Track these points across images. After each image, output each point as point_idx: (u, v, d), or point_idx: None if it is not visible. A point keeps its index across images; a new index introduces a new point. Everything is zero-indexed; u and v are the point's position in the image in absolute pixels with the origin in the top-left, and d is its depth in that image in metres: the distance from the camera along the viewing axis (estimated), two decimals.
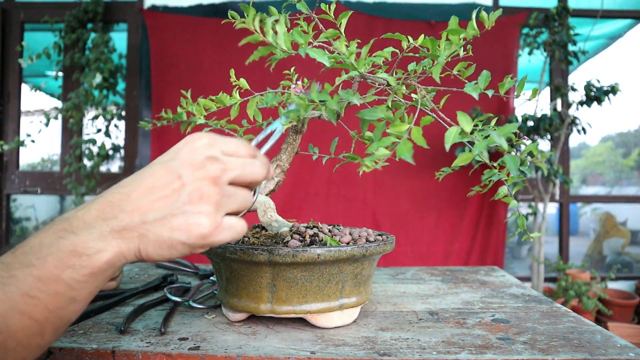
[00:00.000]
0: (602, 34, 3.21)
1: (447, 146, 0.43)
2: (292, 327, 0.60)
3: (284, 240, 0.59)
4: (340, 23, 0.58)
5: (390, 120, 0.48)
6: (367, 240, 0.63)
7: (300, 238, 0.60)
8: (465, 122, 0.43)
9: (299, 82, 0.70)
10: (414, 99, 0.58)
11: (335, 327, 0.60)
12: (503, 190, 0.60)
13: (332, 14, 0.59)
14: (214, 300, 0.71)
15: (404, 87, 0.58)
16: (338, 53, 0.52)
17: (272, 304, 0.58)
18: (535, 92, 0.54)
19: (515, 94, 0.54)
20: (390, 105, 0.57)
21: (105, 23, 2.81)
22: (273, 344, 0.53)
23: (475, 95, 0.48)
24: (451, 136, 0.43)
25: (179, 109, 0.68)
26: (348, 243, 0.60)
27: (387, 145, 0.44)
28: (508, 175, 0.58)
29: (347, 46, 0.52)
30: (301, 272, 0.57)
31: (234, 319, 0.62)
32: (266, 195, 0.68)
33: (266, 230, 0.67)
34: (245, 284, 0.59)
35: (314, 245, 0.57)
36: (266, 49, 0.50)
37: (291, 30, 0.50)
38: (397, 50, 0.59)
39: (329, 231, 0.65)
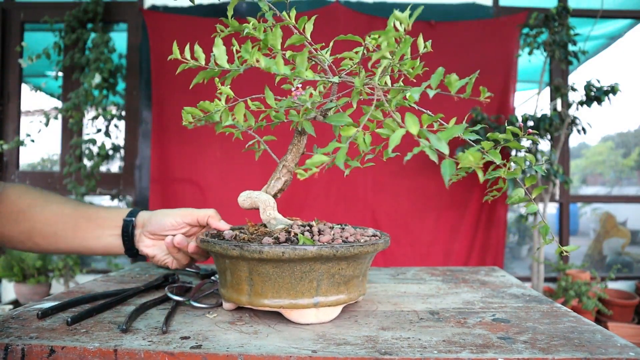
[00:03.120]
0: (602, 34, 3.21)
1: (390, 150, 0.42)
2: (293, 326, 0.60)
3: (273, 237, 0.62)
4: (304, 29, 0.58)
5: (353, 125, 0.47)
6: (356, 241, 0.63)
7: (286, 236, 0.62)
8: (412, 123, 0.41)
9: (299, 86, 0.70)
10: (374, 100, 0.57)
11: (311, 324, 0.61)
12: (519, 193, 0.59)
13: (292, 20, 0.60)
14: (215, 300, 0.72)
15: (367, 88, 0.58)
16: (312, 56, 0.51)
17: (250, 296, 0.62)
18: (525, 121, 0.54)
19: (481, 97, 0.52)
20: (357, 107, 0.57)
21: (105, 23, 2.81)
22: (275, 343, 0.53)
23: (416, 97, 0.46)
24: (395, 139, 0.42)
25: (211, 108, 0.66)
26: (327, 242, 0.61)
27: (327, 152, 0.44)
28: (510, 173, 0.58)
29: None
30: (272, 268, 0.59)
31: (226, 308, 0.67)
32: (275, 194, 0.71)
33: (266, 227, 0.68)
34: (231, 276, 0.63)
35: (284, 244, 0.59)
36: (207, 73, 0.50)
37: (242, 46, 0.50)
38: (363, 50, 0.58)
39: (319, 230, 0.65)
